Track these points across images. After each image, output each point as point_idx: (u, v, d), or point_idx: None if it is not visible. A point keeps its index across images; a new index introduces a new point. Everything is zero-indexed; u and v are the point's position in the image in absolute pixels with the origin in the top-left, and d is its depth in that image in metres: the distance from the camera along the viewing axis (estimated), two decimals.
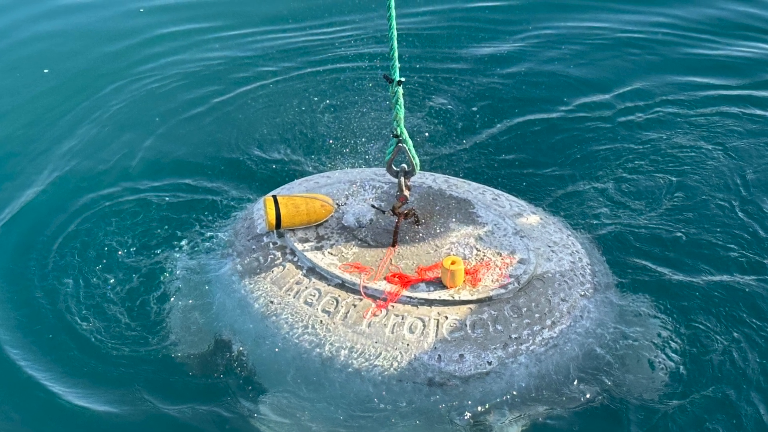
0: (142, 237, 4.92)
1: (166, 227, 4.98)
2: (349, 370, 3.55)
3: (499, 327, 3.59)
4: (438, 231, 4.10)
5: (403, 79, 3.66)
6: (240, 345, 3.89)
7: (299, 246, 4.03)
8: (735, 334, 4.04)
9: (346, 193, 4.44)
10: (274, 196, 4.11)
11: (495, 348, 3.53)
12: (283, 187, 4.69)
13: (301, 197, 4.14)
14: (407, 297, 3.69)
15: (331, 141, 5.95)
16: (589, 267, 4.10)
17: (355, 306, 3.70)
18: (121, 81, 7.17)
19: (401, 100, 3.70)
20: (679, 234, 4.78)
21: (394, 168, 3.93)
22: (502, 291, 3.70)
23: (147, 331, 4.20)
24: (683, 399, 3.70)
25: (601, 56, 7.28)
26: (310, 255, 3.95)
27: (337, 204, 4.30)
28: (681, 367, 3.83)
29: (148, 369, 4.01)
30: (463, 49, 7.52)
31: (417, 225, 4.13)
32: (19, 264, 4.85)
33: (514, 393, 3.54)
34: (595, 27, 7.84)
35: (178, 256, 4.62)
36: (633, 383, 3.71)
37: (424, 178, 4.59)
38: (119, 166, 5.87)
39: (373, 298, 3.71)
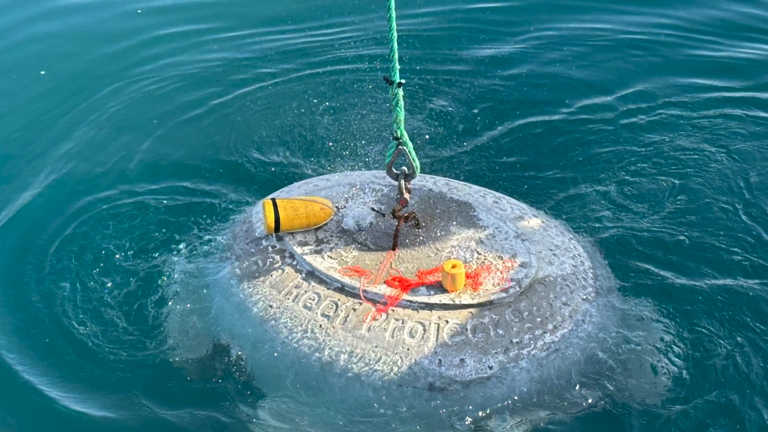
0: (140, 240, 4.89)
1: (164, 230, 4.95)
2: (349, 374, 3.52)
3: (500, 331, 3.56)
4: (438, 234, 4.07)
5: (403, 81, 3.64)
6: (239, 349, 3.86)
7: (298, 249, 3.99)
8: (738, 339, 4.02)
9: (346, 196, 4.40)
10: (273, 199, 4.08)
11: (496, 352, 3.50)
12: (282, 190, 4.65)
13: (301, 200, 4.11)
14: (407, 301, 3.66)
15: (330, 143, 5.92)
16: (591, 270, 4.07)
17: (354, 310, 3.66)
18: (118, 83, 7.15)
19: (401, 102, 3.68)
20: (682, 237, 4.75)
21: (395, 171, 3.91)
22: (504, 295, 3.67)
23: (145, 335, 4.17)
24: (686, 404, 3.68)
25: (603, 58, 7.26)
26: (309, 258, 3.92)
27: (336, 207, 4.26)
28: (684, 371, 3.81)
29: (145, 373, 3.98)
30: (463, 50, 7.51)
31: (417, 228, 4.10)
32: (16, 267, 4.82)
33: (516, 398, 3.52)
34: (597, 28, 7.83)
35: (176, 259, 4.59)
36: (635, 388, 3.69)
37: (424, 181, 4.56)
38: (117, 169, 5.85)
39: (373, 302, 3.68)
